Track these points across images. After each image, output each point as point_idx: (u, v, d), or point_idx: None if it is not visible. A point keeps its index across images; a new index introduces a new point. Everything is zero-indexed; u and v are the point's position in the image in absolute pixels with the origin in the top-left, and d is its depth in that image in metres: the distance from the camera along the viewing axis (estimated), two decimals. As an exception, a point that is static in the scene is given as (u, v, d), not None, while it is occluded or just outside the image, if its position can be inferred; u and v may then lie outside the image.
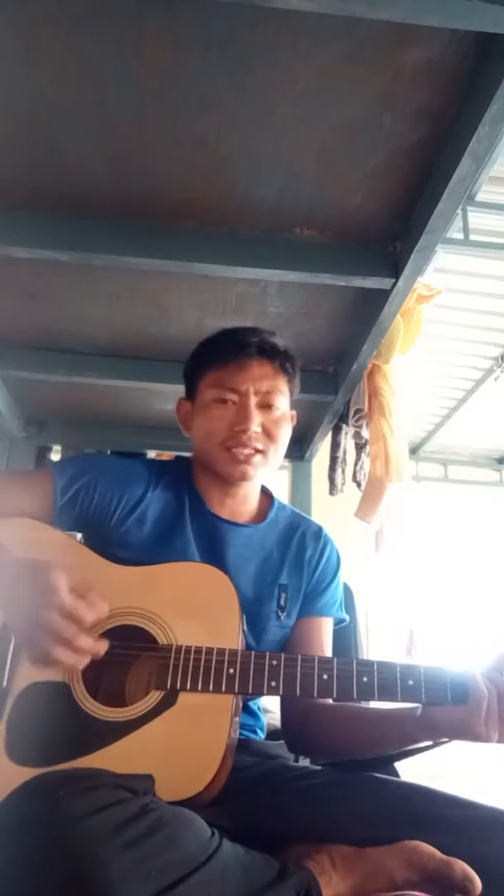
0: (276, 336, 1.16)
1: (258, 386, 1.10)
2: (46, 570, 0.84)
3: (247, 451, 1.09)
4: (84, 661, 0.85)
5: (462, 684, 0.86)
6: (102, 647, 0.86)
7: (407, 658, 4.48)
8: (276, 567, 1.14)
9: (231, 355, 1.11)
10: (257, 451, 1.10)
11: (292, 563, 1.15)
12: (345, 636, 1.32)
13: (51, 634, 0.81)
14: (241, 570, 1.10)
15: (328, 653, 1.14)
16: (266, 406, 1.11)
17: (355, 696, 0.87)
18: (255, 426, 1.08)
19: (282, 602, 1.11)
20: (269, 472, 1.15)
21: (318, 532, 1.22)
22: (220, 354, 1.13)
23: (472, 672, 0.87)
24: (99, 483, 1.08)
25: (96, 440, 2.36)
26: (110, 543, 1.06)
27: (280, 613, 1.10)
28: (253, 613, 1.08)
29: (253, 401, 1.10)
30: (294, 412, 1.21)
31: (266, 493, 1.24)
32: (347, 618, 1.21)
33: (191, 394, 1.19)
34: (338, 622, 1.19)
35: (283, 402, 1.14)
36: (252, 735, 1.09)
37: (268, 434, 1.11)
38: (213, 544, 1.11)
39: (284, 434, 1.14)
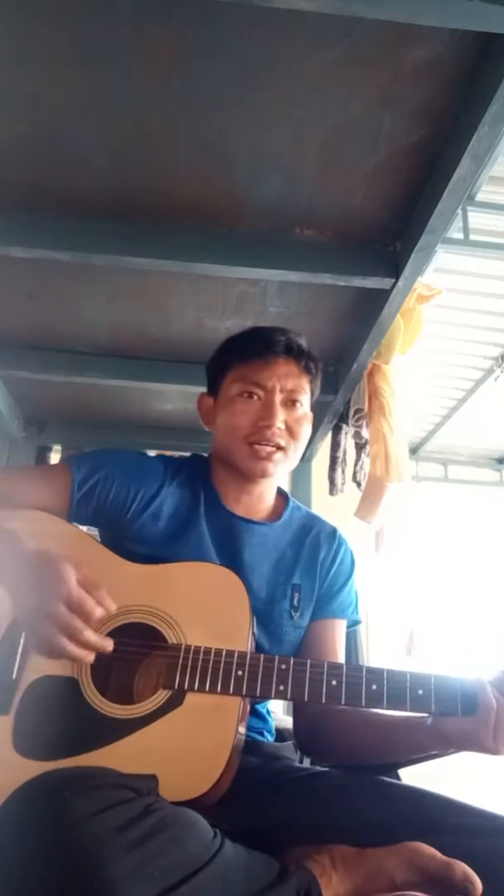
0: (303, 337, 1.18)
1: (284, 383, 1.11)
2: (57, 562, 0.85)
3: (269, 447, 1.10)
4: (89, 657, 0.85)
5: (472, 695, 0.85)
6: (108, 643, 0.86)
7: (407, 658, 4.48)
8: (289, 567, 1.14)
9: (258, 352, 1.12)
10: (279, 448, 1.10)
11: (306, 564, 1.15)
12: (346, 637, 1.32)
13: (57, 626, 0.82)
14: (256, 569, 1.10)
15: (341, 655, 1.14)
16: (290, 403, 1.13)
17: (363, 704, 0.86)
18: (279, 422, 1.10)
19: (295, 602, 1.11)
20: (286, 470, 1.16)
21: (333, 533, 1.21)
22: (248, 350, 1.14)
23: (482, 682, 0.86)
24: (116, 476, 1.09)
25: (96, 440, 2.36)
26: (125, 538, 1.06)
27: (293, 613, 1.10)
28: (266, 613, 1.08)
29: (278, 397, 1.11)
30: (311, 413, 1.22)
31: (281, 494, 1.24)
32: (361, 620, 1.21)
33: (214, 389, 1.19)
34: (351, 624, 1.19)
35: (305, 401, 1.15)
36: (259, 738, 1.09)
37: (290, 431, 1.12)
38: (229, 541, 1.11)
39: (305, 432, 1.15)
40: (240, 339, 1.18)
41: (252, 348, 1.13)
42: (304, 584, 1.13)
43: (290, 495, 1.25)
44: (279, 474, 1.14)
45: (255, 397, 1.11)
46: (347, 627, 1.18)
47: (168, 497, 1.11)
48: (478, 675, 0.88)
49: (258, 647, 1.01)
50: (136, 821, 0.65)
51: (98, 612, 0.84)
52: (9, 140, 1.11)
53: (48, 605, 0.82)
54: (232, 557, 1.09)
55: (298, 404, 1.13)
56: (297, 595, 1.11)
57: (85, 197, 1.23)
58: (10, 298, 1.55)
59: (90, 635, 0.83)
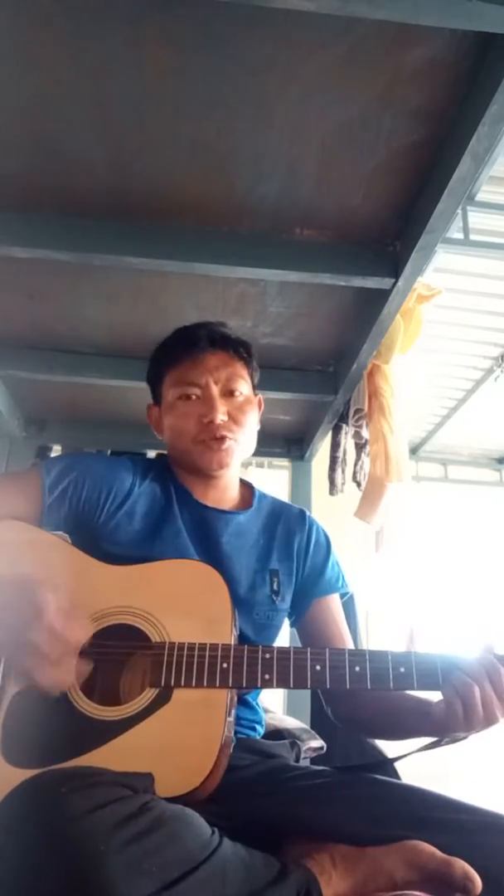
0: (227, 326, 1.20)
1: (216, 376, 1.13)
2: (35, 590, 0.85)
3: (217, 440, 1.11)
4: (65, 685, 0.85)
5: (450, 670, 0.89)
6: (87, 667, 0.87)
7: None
8: (265, 553, 1.16)
9: (184, 352, 1.15)
10: (228, 438, 1.12)
11: (281, 549, 1.17)
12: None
13: (35, 655, 0.82)
14: (236, 558, 1.12)
15: (344, 627, 1.17)
16: (228, 393, 1.14)
17: (348, 685, 0.88)
18: (220, 415, 1.11)
19: (275, 587, 1.13)
20: (242, 457, 1.18)
21: (302, 515, 1.24)
22: (175, 354, 1.17)
23: (463, 658, 0.90)
24: (87, 479, 1.09)
25: (96, 440, 2.36)
26: (100, 540, 1.06)
27: (275, 598, 1.12)
28: (248, 600, 1.09)
29: (215, 391, 1.13)
30: (260, 397, 1.24)
31: (245, 483, 1.26)
32: (350, 591, 1.23)
33: (156, 398, 1.23)
34: (342, 595, 1.22)
35: (244, 387, 1.17)
36: (251, 732, 1.09)
37: (234, 420, 1.14)
38: (206, 533, 1.12)
39: (251, 418, 1.17)
40: (166, 344, 1.20)
41: (178, 350, 1.16)
42: (281, 569, 1.15)
43: (255, 485, 1.27)
44: (236, 462, 1.16)
45: (193, 397, 1.13)
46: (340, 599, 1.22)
47: (141, 496, 1.12)
48: (459, 652, 0.91)
49: (244, 636, 1.03)
50: (133, 818, 0.66)
51: (75, 638, 0.84)
52: (9, 140, 1.11)
53: (26, 634, 0.82)
54: (211, 549, 1.10)
55: (237, 392, 1.15)
56: (276, 580, 1.13)
57: (85, 197, 1.23)
58: (10, 298, 1.55)
59: (68, 663, 0.84)
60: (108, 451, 2.34)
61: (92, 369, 1.78)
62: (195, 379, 1.13)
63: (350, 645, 1.17)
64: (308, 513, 1.26)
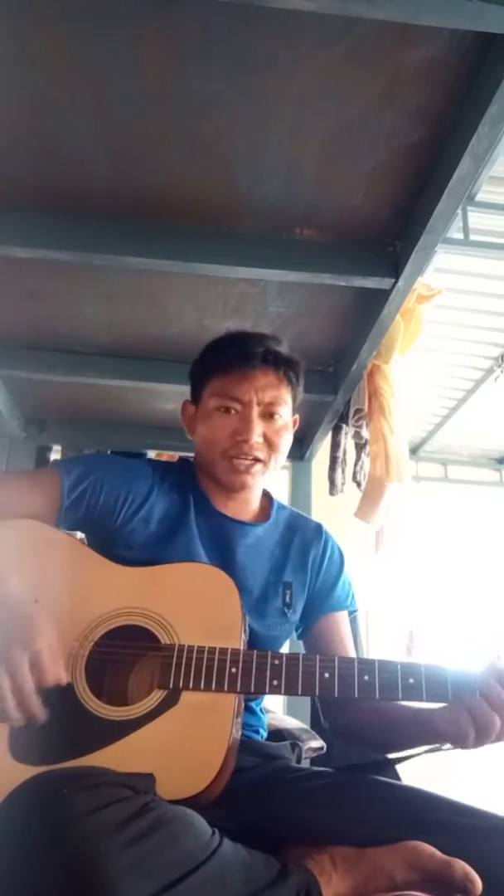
0: (282, 343, 1.17)
1: (261, 396, 1.11)
2: (31, 623, 0.83)
3: (247, 461, 1.10)
4: (21, 721, 0.82)
5: (460, 684, 0.87)
6: (40, 714, 0.83)
7: (407, 658, 4.48)
8: (279, 565, 1.15)
9: (235, 364, 1.11)
10: (257, 460, 1.11)
11: (295, 562, 1.17)
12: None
13: (11, 686, 0.79)
14: (250, 569, 1.11)
15: (350, 644, 1.17)
16: (268, 416, 1.12)
17: (356, 695, 0.88)
18: (256, 436, 1.09)
19: (287, 599, 1.12)
20: (267, 479, 1.17)
21: (319, 530, 1.23)
22: (225, 362, 1.13)
23: (473, 670, 0.89)
24: (105, 482, 1.08)
25: (96, 440, 2.36)
26: (114, 543, 1.06)
27: (286, 610, 1.12)
28: (260, 611, 1.09)
29: (255, 411, 1.10)
30: (296, 416, 1.22)
31: (265, 494, 1.25)
32: (357, 609, 1.23)
33: (195, 397, 1.19)
34: (350, 614, 1.22)
35: (285, 412, 1.14)
36: (254, 735, 1.09)
37: (269, 443, 1.12)
38: (222, 542, 1.12)
39: (285, 443, 1.15)
40: (219, 348, 1.17)
41: (229, 359, 1.12)
42: (294, 582, 1.15)
43: (273, 496, 1.26)
44: (260, 484, 1.16)
45: (233, 411, 1.11)
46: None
47: (158, 501, 1.11)
48: (468, 665, 0.90)
49: (253, 645, 1.02)
50: (133, 818, 0.66)
51: (51, 679, 0.82)
52: (9, 140, 1.11)
53: (12, 660, 0.80)
54: (225, 558, 1.10)
55: (277, 416, 1.12)
56: (288, 592, 1.13)
57: (85, 197, 1.23)
58: (10, 298, 1.55)
59: (33, 703, 0.81)
60: (108, 452, 2.34)
61: (92, 369, 1.78)
62: (239, 395, 1.10)
63: None
64: (325, 528, 1.24)
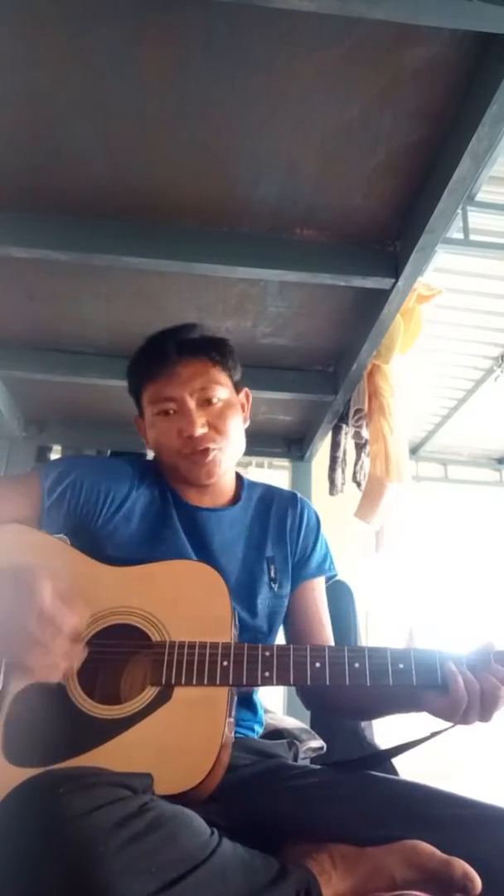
0: (196, 328, 1.17)
1: (191, 386, 1.10)
2: (29, 575, 0.84)
3: (201, 453, 1.10)
4: (60, 670, 0.84)
5: (448, 667, 0.89)
6: (80, 652, 0.86)
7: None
8: (259, 542, 1.16)
9: (156, 366, 1.12)
10: (211, 449, 1.11)
11: (275, 535, 1.18)
12: (346, 636, 1.32)
13: (27, 639, 0.81)
14: (230, 553, 1.12)
15: (324, 610, 1.18)
16: (205, 402, 1.11)
17: (347, 682, 0.89)
18: (199, 427, 1.09)
19: (272, 574, 1.13)
20: (233, 461, 1.16)
21: (294, 498, 1.24)
22: (147, 369, 1.14)
23: (463, 654, 0.90)
24: (85, 481, 1.09)
25: (96, 440, 2.36)
26: (99, 542, 1.06)
27: (273, 585, 1.13)
28: (248, 590, 1.10)
29: (191, 403, 1.10)
30: (245, 391, 1.22)
31: (236, 477, 1.25)
32: (337, 572, 1.23)
33: (140, 411, 1.21)
34: (329, 578, 1.22)
35: (221, 392, 1.13)
36: (249, 732, 1.10)
37: (216, 429, 1.11)
38: (198, 534, 1.12)
39: (234, 423, 1.14)
40: (138, 358, 1.18)
41: (149, 365, 1.13)
42: (276, 555, 1.16)
43: (245, 477, 1.26)
44: (226, 468, 1.15)
45: (171, 411, 1.11)
46: (326, 582, 1.22)
47: (139, 498, 1.12)
48: (457, 649, 0.92)
49: (246, 626, 1.04)
50: (131, 818, 0.66)
51: (69, 621, 0.83)
52: (9, 140, 1.11)
53: (18, 618, 0.81)
54: (204, 549, 1.11)
55: (214, 399, 1.12)
56: (273, 567, 1.14)
57: (85, 197, 1.23)
58: (10, 298, 1.55)
59: (60, 645, 0.82)
60: (108, 452, 2.34)
61: (92, 369, 1.78)
62: (170, 393, 1.10)
63: (329, 629, 1.17)
64: (300, 495, 1.25)
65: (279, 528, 1.18)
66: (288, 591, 1.15)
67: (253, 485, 1.25)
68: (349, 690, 0.97)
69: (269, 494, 1.24)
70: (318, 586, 1.20)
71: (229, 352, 1.18)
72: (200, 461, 1.10)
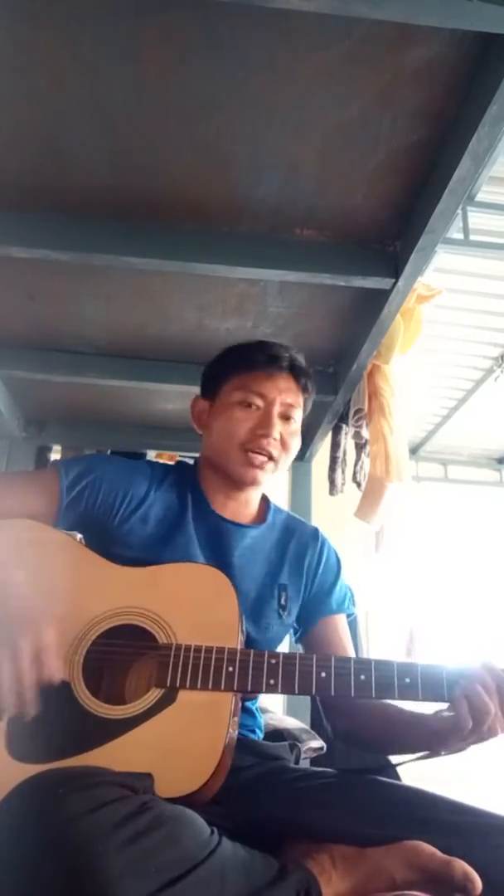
0: (302, 355, 1.22)
1: (283, 398, 1.15)
2: (35, 618, 0.84)
3: (262, 457, 1.12)
4: (12, 710, 0.82)
5: (455, 682, 0.88)
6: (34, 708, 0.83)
7: (407, 659, 4.48)
8: (275, 568, 1.16)
9: (263, 364, 1.16)
10: (271, 458, 1.13)
11: (291, 565, 1.17)
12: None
13: (12, 675, 0.80)
14: (246, 571, 1.12)
15: (350, 648, 1.17)
16: (286, 418, 1.16)
17: (353, 693, 0.88)
18: (275, 433, 1.12)
19: (282, 601, 1.13)
20: (271, 479, 1.18)
21: (315, 534, 1.24)
22: (252, 361, 1.17)
23: (469, 669, 0.89)
24: (104, 480, 1.10)
25: (96, 440, 2.36)
26: (112, 542, 1.06)
27: (282, 612, 1.13)
28: (256, 613, 1.10)
29: (276, 410, 1.14)
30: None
31: (262, 498, 1.26)
32: (355, 612, 1.23)
33: (211, 393, 1.21)
34: (347, 616, 1.22)
35: (299, 417, 1.19)
36: (250, 735, 1.10)
37: (283, 444, 1.15)
38: (218, 544, 1.12)
39: (296, 446, 1.18)
40: (245, 349, 1.20)
41: (257, 360, 1.16)
42: (290, 584, 1.16)
43: (270, 500, 1.27)
44: (265, 484, 1.17)
45: (255, 407, 1.14)
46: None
47: (156, 501, 1.13)
48: (463, 664, 0.91)
49: (249, 647, 1.01)
50: (131, 818, 0.66)
51: (47, 678, 0.82)
52: (9, 140, 1.11)
53: (14, 651, 0.81)
54: (221, 560, 1.10)
55: (293, 420, 1.17)
56: (283, 595, 1.14)
57: (85, 197, 1.23)
58: (10, 298, 1.55)
59: (30, 698, 0.81)
60: (108, 452, 2.35)
61: (92, 369, 1.78)
62: (265, 392, 1.14)
63: None
64: (321, 532, 1.26)
65: (297, 560, 1.19)
66: (292, 621, 1.16)
67: (278, 510, 1.26)
68: (369, 716, 1.00)
69: (293, 524, 1.25)
70: (341, 623, 1.20)
71: (313, 390, 1.24)
72: (257, 462, 1.12)
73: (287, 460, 1.17)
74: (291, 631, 1.19)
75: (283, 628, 1.14)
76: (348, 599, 1.22)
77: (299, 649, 1.24)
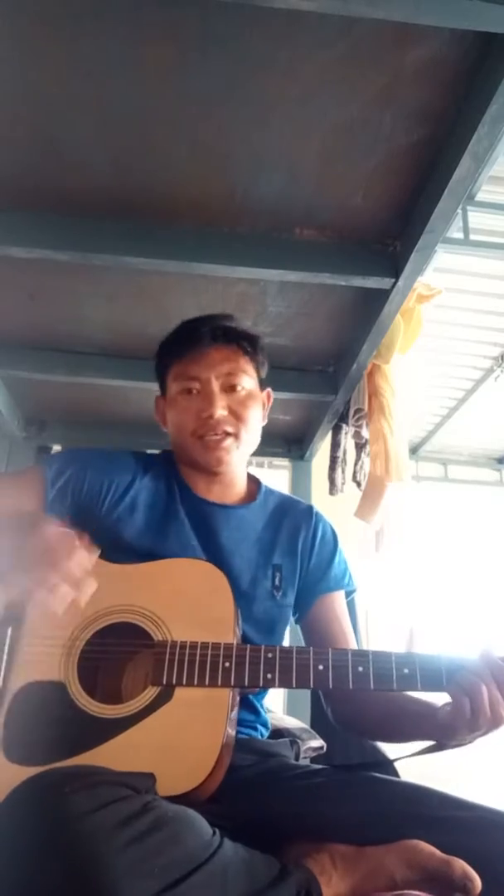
0: (233, 319, 1.19)
1: (219, 370, 1.12)
2: (39, 515, 0.86)
3: (217, 437, 1.11)
4: (62, 596, 0.80)
5: (454, 672, 0.88)
6: (88, 587, 0.83)
7: (407, 658, 4.47)
8: (268, 548, 1.15)
9: (188, 346, 1.14)
10: (227, 434, 1.11)
11: (285, 544, 1.17)
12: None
13: (34, 557, 0.80)
14: (235, 551, 1.11)
15: (347, 625, 1.17)
16: (230, 388, 1.13)
17: (351, 686, 0.88)
18: (220, 410, 1.10)
19: (276, 582, 1.12)
20: (246, 453, 1.17)
21: (308, 511, 1.23)
22: (179, 347, 1.16)
23: (468, 659, 0.90)
24: (88, 471, 1.10)
25: (96, 440, 2.35)
26: (103, 533, 1.05)
27: (275, 593, 1.12)
28: (248, 594, 1.09)
29: (216, 386, 1.12)
30: (268, 391, 1.23)
31: (252, 479, 1.25)
32: (356, 588, 1.22)
33: (163, 390, 1.22)
34: (348, 593, 1.21)
35: (247, 382, 1.15)
36: (253, 732, 1.09)
37: (235, 415, 1.12)
38: (206, 527, 1.12)
39: (253, 413, 1.15)
40: (171, 336, 1.20)
41: (182, 343, 1.15)
42: (284, 564, 1.14)
43: (263, 482, 1.26)
44: (238, 459, 1.15)
45: (194, 391, 1.13)
46: (346, 597, 1.21)
47: (142, 489, 1.12)
48: (462, 654, 0.91)
49: (248, 629, 1.03)
50: (134, 818, 0.65)
51: (79, 552, 0.82)
52: (9, 140, 1.11)
53: (31, 541, 0.82)
54: (211, 543, 1.10)
55: (239, 387, 1.14)
56: (278, 575, 1.13)
57: (85, 197, 1.23)
58: (10, 298, 1.55)
59: (78, 557, 0.82)
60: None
61: (92, 369, 1.78)
62: (197, 373, 1.12)
63: (354, 643, 1.16)
64: (316, 508, 1.24)
65: (291, 539, 1.17)
66: (291, 601, 1.14)
67: (270, 491, 1.25)
68: (371, 704, 1.00)
69: (286, 504, 1.23)
70: (339, 600, 1.19)
71: (260, 347, 1.20)
72: (213, 444, 1.11)
73: (249, 430, 1.14)
74: (291, 613, 1.17)
75: (279, 609, 1.12)
76: (347, 575, 1.21)
77: (300, 633, 1.23)
